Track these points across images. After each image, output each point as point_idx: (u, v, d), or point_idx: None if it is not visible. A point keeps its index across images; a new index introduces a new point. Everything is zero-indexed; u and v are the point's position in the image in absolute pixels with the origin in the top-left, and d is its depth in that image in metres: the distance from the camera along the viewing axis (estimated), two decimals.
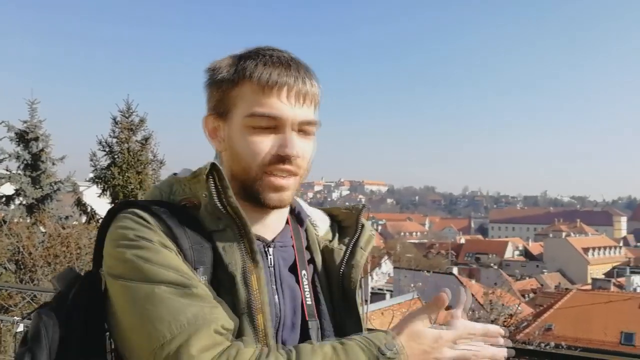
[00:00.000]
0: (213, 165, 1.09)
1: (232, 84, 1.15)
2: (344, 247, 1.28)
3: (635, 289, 41.13)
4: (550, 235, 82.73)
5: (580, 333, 24.75)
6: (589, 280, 52.60)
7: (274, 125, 1.12)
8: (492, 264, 61.26)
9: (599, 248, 75.29)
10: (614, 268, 58.36)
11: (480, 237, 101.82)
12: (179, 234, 1.07)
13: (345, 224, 1.35)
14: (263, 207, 1.17)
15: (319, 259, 1.28)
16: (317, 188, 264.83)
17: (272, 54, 1.15)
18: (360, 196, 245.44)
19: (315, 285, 1.25)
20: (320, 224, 1.34)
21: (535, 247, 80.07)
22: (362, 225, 1.30)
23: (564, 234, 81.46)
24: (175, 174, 1.20)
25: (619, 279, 45.98)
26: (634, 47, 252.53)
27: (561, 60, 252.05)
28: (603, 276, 50.19)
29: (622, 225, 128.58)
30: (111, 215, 1.11)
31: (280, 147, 1.12)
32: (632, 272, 49.37)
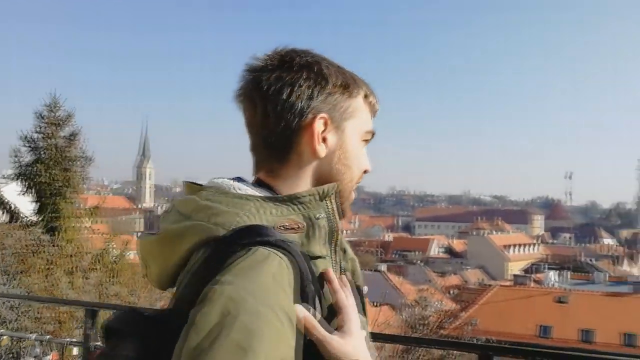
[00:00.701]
0: (337, 185, 1.07)
1: (352, 94, 1.13)
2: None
3: (552, 285, 43.10)
4: (473, 233, 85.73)
5: (503, 327, 25.68)
6: (509, 276, 54.82)
7: (368, 140, 1.19)
8: (417, 261, 62.85)
9: (518, 245, 78.61)
10: (532, 264, 60.95)
11: (406, 234, 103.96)
12: (306, 281, 0.95)
13: None
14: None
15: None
16: None
17: (355, 73, 1.18)
18: None
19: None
20: None
21: (458, 245, 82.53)
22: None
23: (485, 232, 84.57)
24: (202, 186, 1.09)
25: (537, 275, 48.06)
26: (547, 49, 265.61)
27: (480, 61, 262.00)
28: (522, 272, 52.33)
29: (539, 223, 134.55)
30: (244, 244, 0.92)
31: (368, 164, 1.18)
32: (549, 268, 51.77)
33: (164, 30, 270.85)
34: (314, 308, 0.94)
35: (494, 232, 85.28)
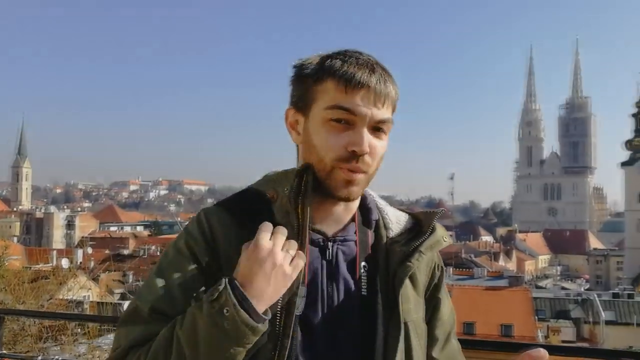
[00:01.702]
0: (308, 166, 1.19)
1: (316, 79, 1.19)
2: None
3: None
4: None
5: None
6: None
7: (351, 121, 1.17)
8: None
9: None
10: None
11: None
12: (231, 234, 1.19)
13: (423, 227, 1.32)
14: (333, 199, 1.22)
15: (382, 259, 1.27)
16: (132, 187, 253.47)
17: (358, 57, 1.20)
18: (180, 196, 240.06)
19: (375, 281, 1.24)
20: (394, 225, 1.32)
21: None
22: (432, 228, 1.30)
23: None
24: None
25: None
26: (421, 55, 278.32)
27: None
28: None
29: None
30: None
31: (354, 144, 1.16)
32: None
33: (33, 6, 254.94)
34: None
35: None
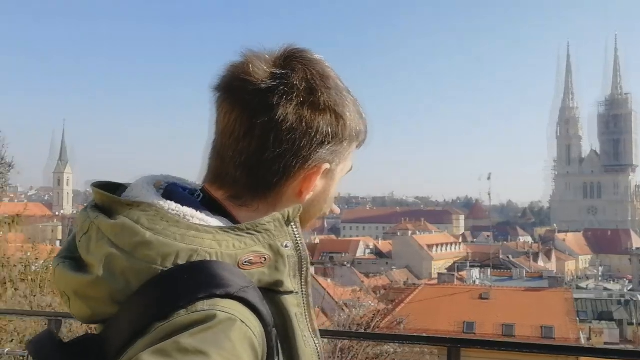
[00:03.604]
0: (300, 206, 0.91)
1: (354, 141, 1.00)
2: None
3: (474, 282, 44.65)
4: (398, 233, 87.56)
5: (429, 324, 26.39)
6: (434, 275, 56.35)
7: None
8: (345, 263, 63.51)
9: (441, 245, 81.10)
10: (455, 262, 62.92)
11: (333, 236, 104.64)
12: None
13: None
14: None
15: None
16: None
17: (358, 104, 1.01)
18: None
19: None
20: None
21: (384, 245, 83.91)
22: None
23: (409, 232, 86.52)
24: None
25: (460, 273, 49.61)
26: (463, 51, 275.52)
27: (398, 65, 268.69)
28: (446, 271, 53.92)
29: (461, 223, 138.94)
30: (184, 299, 0.77)
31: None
32: (471, 266, 53.57)
33: (78, 19, 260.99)
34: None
35: (418, 232, 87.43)
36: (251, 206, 0.94)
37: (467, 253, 76.61)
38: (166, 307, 0.76)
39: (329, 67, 0.96)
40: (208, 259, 0.80)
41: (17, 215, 14.39)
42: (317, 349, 0.92)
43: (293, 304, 0.89)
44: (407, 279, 55.01)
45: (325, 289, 33.99)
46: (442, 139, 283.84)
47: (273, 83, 0.90)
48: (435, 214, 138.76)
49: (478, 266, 54.59)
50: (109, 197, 0.89)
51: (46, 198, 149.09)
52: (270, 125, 0.90)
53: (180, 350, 0.69)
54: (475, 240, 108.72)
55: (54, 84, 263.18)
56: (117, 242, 0.82)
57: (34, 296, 10.01)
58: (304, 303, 0.91)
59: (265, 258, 0.85)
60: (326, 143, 0.93)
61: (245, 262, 0.83)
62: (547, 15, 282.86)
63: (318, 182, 0.96)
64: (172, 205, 0.86)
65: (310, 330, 0.92)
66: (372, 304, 23.24)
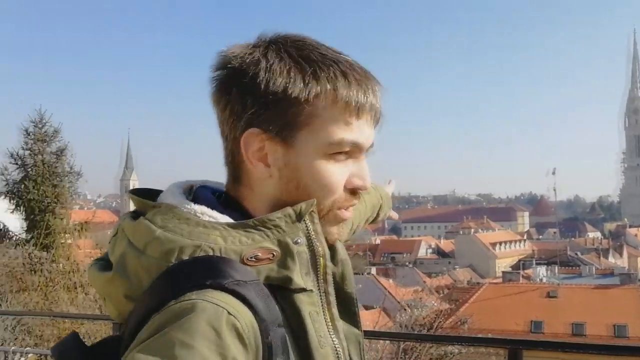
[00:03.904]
0: (314, 201, 0.88)
1: (305, 99, 0.87)
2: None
3: (541, 280, 43.42)
4: (460, 232, 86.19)
5: (495, 324, 25.84)
6: (498, 274, 55.17)
7: (354, 152, 0.93)
8: (407, 263, 63.05)
9: (505, 242, 79.23)
10: (520, 260, 61.35)
11: (394, 237, 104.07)
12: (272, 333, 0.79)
13: None
14: None
15: None
16: None
17: (352, 64, 0.92)
18: None
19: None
20: None
21: (446, 245, 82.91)
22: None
23: (472, 230, 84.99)
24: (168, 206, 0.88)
25: (525, 271, 48.36)
26: (527, 47, 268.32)
27: (461, 61, 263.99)
28: (510, 269, 52.66)
29: (525, 219, 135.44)
30: (174, 291, 0.76)
31: (360, 178, 0.93)
32: (537, 264, 52.14)
33: (143, 33, 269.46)
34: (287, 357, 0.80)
35: (481, 231, 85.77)
36: (240, 194, 0.95)
37: (533, 250, 74.77)
38: (162, 298, 0.76)
39: (283, 34, 0.94)
40: (211, 254, 0.80)
41: (86, 222, 14.96)
42: (336, 349, 0.88)
43: (307, 302, 0.86)
44: (471, 278, 54.22)
45: (386, 289, 33.97)
46: (504, 134, 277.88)
47: (228, 67, 0.91)
48: (498, 211, 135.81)
49: (544, 264, 53.10)
50: (142, 202, 0.90)
51: (114, 205, 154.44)
52: (214, 101, 0.94)
53: (166, 344, 0.69)
54: (540, 237, 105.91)
55: (120, 94, 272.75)
56: (133, 240, 0.84)
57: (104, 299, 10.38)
58: (321, 301, 0.88)
59: (273, 254, 0.83)
60: (247, 104, 0.89)
61: (251, 257, 0.82)
62: (612, 3, 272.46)
63: (270, 155, 0.90)
64: (188, 205, 0.88)
65: (331, 330, 0.89)
66: (435, 304, 23.00)
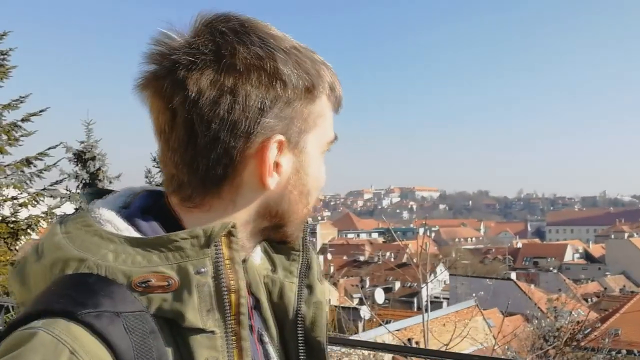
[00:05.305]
0: (231, 223, 0.74)
1: (315, 96, 0.80)
2: (295, 281, 0.92)
3: None
4: (612, 236, 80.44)
5: None
6: None
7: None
8: (551, 268, 59.86)
9: None
10: None
11: (537, 240, 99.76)
12: None
13: (282, 248, 0.94)
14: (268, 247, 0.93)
15: (264, 301, 0.91)
16: (366, 196, 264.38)
17: (316, 55, 0.81)
18: (412, 203, 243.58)
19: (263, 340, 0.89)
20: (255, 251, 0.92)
21: (596, 249, 78.05)
22: (308, 247, 0.94)
23: (626, 234, 79.13)
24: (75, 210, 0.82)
25: None
26: None
27: (612, 57, 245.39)
28: None
29: None
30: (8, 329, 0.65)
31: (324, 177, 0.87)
32: None
33: None
34: None
35: (636, 235, 79.41)
36: (202, 207, 0.78)
37: None
38: (18, 319, 0.65)
39: (250, 20, 0.78)
40: (95, 272, 0.68)
41: None
42: None
43: (204, 346, 0.70)
44: (624, 286, 50.45)
45: (527, 294, 32.46)
46: (601, 131, 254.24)
47: (174, 57, 0.74)
48: None
49: None
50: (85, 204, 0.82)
51: None
52: (188, 107, 0.74)
53: None
54: None
55: None
56: (40, 242, 0.75)
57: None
58: (227, 346, 0.71)
59: (169, 282, 0.69)
60: (266, 108, 0.75)
61: (141, 283, 0.68)
62: None
63: (283, 162, 0.78)
64: (99, 210, 0.76)
65: None
66: (582, 313, 21.61)
